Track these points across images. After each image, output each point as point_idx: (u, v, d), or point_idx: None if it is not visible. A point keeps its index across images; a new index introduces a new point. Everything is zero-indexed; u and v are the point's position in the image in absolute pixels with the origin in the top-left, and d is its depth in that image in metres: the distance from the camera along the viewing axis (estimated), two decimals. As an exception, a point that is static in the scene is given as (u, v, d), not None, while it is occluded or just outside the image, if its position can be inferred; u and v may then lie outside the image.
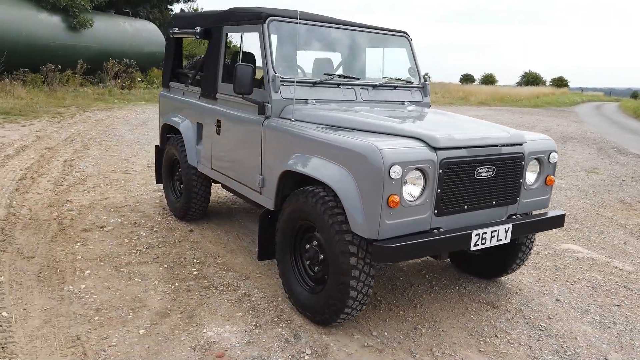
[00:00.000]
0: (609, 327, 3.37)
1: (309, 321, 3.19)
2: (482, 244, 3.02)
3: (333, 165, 2.89)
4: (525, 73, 64.42)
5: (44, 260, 3.91)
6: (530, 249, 3.74)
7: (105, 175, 6.63)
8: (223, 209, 5.54)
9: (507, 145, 3.16)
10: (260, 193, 3.70)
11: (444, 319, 3.35)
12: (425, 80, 4.41)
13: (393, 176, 2.63)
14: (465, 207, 3.03)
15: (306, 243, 3.24)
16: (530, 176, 3.38)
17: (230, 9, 4.18)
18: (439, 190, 2.86)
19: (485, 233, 3.02)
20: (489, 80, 62.37)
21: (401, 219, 2.75)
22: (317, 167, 2.99)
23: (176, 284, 3.65)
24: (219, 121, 4.19)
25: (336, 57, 4.39)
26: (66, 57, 16.15)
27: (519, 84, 61.34)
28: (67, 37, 16.46)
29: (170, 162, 5.17)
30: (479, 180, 3.03)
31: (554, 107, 31.14)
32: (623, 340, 3.21)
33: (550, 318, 3.44)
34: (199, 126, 4.61)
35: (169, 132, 5.31)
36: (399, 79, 4.25)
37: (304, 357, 2.82)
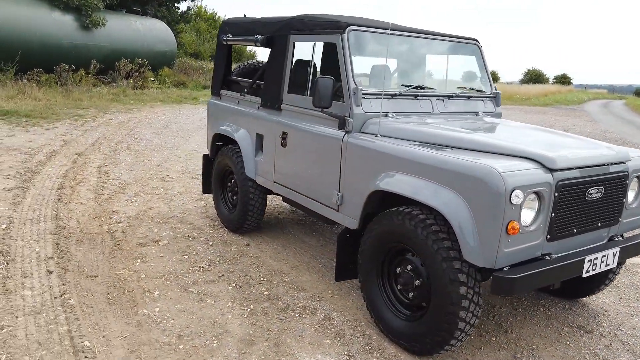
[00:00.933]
0: None
1: (403, 349, 3.04)
2: (592, 270, 2.87)
3: (440, 187, 2.72)
4: (528, 70, 64.17)
5: (109, 279, 3.75)
6: (619, 269, 3.59)
7: (143, 183, 6.46)
8: (272, 219, 5.37)
9: (614, 163, 3.00)
10: (337, 211, 3.54)
11: (541, 346, 3.19)
12: (497, 89, 4.24)
13: (514, 201, 2.47)
14: (575, 230, 2.87)
15: (398, 267, 3.08)
16: (630, 195, 3.23)
17: (299, 16, 4.00)
18: (553, 214, 2.70)
19: (597, 258, 2.87)
20: (493, 77, 62.15)
21: (517, 246, 2.59)
22: (418, 189, 2.82)
23: (251, 306, 3.49)
24: (284, 133, 4.03)
25: (392, 64, 4.21)
26: (79, 57, 15.94)
27: (522, 81, 61.12)
28: (80, 36, 16.24)
29: (222, 172, 5.00)
30: (588, 202, 2.87)
31: (564, 106, 30.96)
32: None
33: (647, 343, 3.29)
34: (259, 137, 4.45)
35: (219, 141, 5.15)
36: (473, 89, 4.08)
37: (410, 390, 2.67)
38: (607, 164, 2.95)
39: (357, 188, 3.32)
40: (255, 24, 4.56)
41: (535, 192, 2.59)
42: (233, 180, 4.86)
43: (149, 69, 18.66)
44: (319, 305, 3.55)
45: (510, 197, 2.46)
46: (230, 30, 4.91)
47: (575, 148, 2.96)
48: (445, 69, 4.24)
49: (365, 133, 3.37)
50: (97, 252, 4.25)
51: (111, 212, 5.29)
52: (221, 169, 4.99)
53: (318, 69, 3.94)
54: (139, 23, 19.37)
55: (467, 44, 4.21)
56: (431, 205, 2.72)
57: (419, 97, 3.70)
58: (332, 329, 3.25)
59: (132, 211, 5.36)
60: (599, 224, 3.01)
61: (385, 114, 3.48)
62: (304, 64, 3.98)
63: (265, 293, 3.70)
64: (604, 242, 3.13)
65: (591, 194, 2.86)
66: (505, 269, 2.58)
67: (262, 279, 3.94)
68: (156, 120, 11.69)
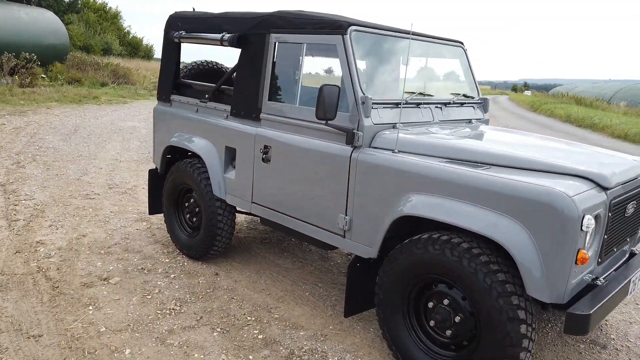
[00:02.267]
0: None
1: (441, 393, 2.68)
2: (633, 290, 2.72)
3: (492, 213, 2.39)
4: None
5: (59, 338, 2.98)
6: None
7: (65, 203, 5.49)
8: (233, 239, 4.77)
9: (641, 177, 2.89)
10: (344, 237, 3.09)
11: (570, 369, 3.02)
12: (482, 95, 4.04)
13: (584, 228, 2.21)
14: (615, 249, 2.70)
15: (429, 300, 2.71)
16: None
17: (280, 12, 3.47)
18: (605, 236, 2.50)
19: (636, 277, 2.72)
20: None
21: (580, 275, 2.35)
22: (465, 215, 2.46)
23: (250, 357, 2.94)
24: (266, 147, 3.49)
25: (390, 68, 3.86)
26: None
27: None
28: (-49, 26, 13.97)
29: (177, 191, 4.31)
30: (626, 218, 2.72)
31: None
32: None
33: (658, 353, 3.26)
34: (229, 151, 3.85)
35: (169, 154, 4.45)
36: (465, 95, 3.83)
37: None
38: (639, 177, 2.83)
39: (374, 212, 2.90)
40: (220, 19, 3.93)
41: (596, 215, 2.36)
42: (192, 200, 4.20)
43: (37, 64, 16.62)
44: (326, 347, 3.08)
45: (582, 223, 2.20)
46: (184, 25, 4.21)
47: (614, 163, 2.79)
48: (435, 74, 3.97)
49: (376, 148, 2.96)
50: (32, 300, 3.40)
51: (35, 243, 4.36)
52: (176, 186, 4.30)
53: (304, 73, 3.44)
54: (24, 13, 17.19)
55: (454, 47, 3.95)
56: (486, 235, 2.38)
57: (420, 106, 3.37)
58: (354, 377, 2.81)
59: (62, 240, 4.47)
60: (627, 239, 2.89)
61: (394, 126, 3.11)
62: (290, 68, 3.47)
63: (260, 337, 3.16)
64: (626, 257, 3.02)
65: (629, 209, 2.71)
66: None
67: (248, 317, 3.38)
68: (59, 124, 10.28)
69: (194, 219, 4.24)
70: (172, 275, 3.94)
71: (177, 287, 3.76)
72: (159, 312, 3.37)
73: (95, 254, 4.24)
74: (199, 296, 3.63)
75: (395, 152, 2.85)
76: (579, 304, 2.30)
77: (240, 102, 3.72)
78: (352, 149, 3.00)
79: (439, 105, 3.52)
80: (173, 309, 3.43)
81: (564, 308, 2.35)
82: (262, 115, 3.56)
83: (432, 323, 2.72)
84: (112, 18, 34.70)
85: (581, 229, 2.20)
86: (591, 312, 2.23)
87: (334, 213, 3.12)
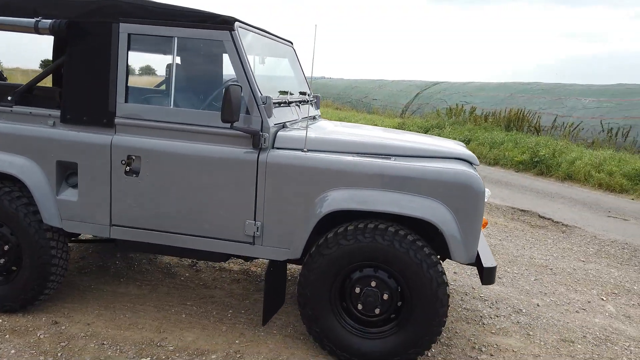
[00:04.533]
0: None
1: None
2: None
3: (415, 197, 2.72)
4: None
5: None
6: None
7: None
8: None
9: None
10: (253, 243, 2.96)
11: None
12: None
13: (485, 199, 2.78)
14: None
15: (355, 286, 2.89)
16: None
17: (136, 1, 2.96)
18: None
19: None
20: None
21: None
22: (392, 202, 2.73)
23: (182, 399, 2.55)
24: (131, 158, 2.98)
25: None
26: None
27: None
28: None
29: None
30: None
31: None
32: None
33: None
34: (62, 167, 3.09)
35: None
36: (307, 93, 4.05)
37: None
38: None
39: (290, 213, 2.88)
40: (29, 0, 3.05)
41: (479, 187, 2.98)
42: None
43: None
44: (251, 362, 2.92)
45: (485, 195, 2.76)
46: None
47: (459, 147, 3.47)
48: (276, 73, 4.06)
49: (280, 149, 2.92)
50: None
51: None
52: (-36, 222, 3.18)
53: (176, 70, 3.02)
54: None
55: (286, 46, 4.11)
56: (418, 217, 2.71)
57: (291, 104, 3.45)
58: (296, 381, 2.77)
59: None
60: None
61: (284, 125, 3.12)
62: (157, 66, 3.02)
63: (173, 375, 2.75)
64: None
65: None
66: None
67: (142, 358, 2.87)
68: None
69: (1, 261, 3.23)
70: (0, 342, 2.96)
71: (13, 352, 2.86)
72: (19, 389, 2.54)
73: None
74: (55, 354, 2.86)
75: (305, 151, 2.89)
76: (485, 260, 2.88)
77: (78, 106, 3.03)
78: (257, 151, 2.88)
79: (297, 104, 3.66)
80: (35, 380, 2.63)
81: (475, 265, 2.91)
82: (118, 121, 3.00)
83: (359, 307, 2.91)
84: None
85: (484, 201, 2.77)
86: (496, 264, 2.84)
87: (239, 221, 2.94)
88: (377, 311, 2.88)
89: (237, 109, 2.70)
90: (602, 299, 4.15)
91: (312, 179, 2.84)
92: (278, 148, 2.93)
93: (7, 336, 3.01)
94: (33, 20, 2.97)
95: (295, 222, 2.88)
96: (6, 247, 3.19)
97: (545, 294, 4.18)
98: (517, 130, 13.72)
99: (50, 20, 2.96)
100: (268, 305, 2.98)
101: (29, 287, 3.16)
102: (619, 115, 13.01)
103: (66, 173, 3.13)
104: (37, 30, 2.98)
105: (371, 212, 2.80)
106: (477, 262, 2.89)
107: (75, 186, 3.13)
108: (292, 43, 4.21)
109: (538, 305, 3.93)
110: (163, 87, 3.98)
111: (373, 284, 2.85)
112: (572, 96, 15.36)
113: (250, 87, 2.87)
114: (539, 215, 6.90)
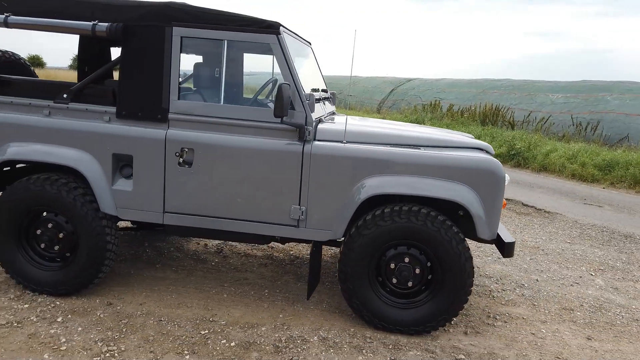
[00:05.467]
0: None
1: (403, 334, 3.29)
2: None
3: (446, 182, 3.10)
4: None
5: None
6: None
7: None
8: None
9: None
10: (298, 226, 3.28)
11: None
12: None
13: (505, 182, 3.19)
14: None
15: (390, 263, 3.25)
16: None
17: (177, 4, 3.22)
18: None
19: None
20: (38, 63, 56.40)
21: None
22: (427, 187, 3.10)
23: (247, 364, 2.86)
24: (184, 150, 3.26)
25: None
26: None
27: (72, 67, 58.28)
28: None
29: (20, 216, 3.39)
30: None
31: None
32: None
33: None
34: (117, 159, 3.34)
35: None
36: (324, 90, 4.37)
37: None
38: None
39: (332, 198, 3.21)
40: (82, 4, 3.27)
41: (496, 174, 3.38)
42: (51, 225, 3.41)
43: None
44: (295, 333, 3.23)
45: (506, 180, 3.17)
46: (12, 6, 3.27)
47: (471, 138, 3.88)
48: (303, 71, 4.35)
49: (321, 141, 3.25)
50: None
51: None
52: (20, 213, 3.38)
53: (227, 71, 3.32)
54: None
55: (307, 46, 4.42)
56: (449, 199, 3.09)
57: (319, 100, 3.77)
58: (347, 346, 3.12)
59: None
60: None
61: (320, 120, 3.45)
62: (207, 65, 3.29)
63: (232, 344, 3.05)
64: None
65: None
66: None
67: (201, 332, 3.15)
68: None
69: (56, 248, 3.45)
70: (60, 319, 3.19)
71: (80, 329, 3.11)
72: None
73: None
74: (121, 330, 3.12)
75: (344, 143, 3.23)
76: (505, 237, 3.29)
77: (133, 103, 3.28)
78: (302, 144, 3.20)
79: (323, 100, 3.99)
80: (108, 352, 2.89)
81: (488, 243, 3.31)
82: (171, 116, 3.27)
83: (394, 281, 3.27)
84: None
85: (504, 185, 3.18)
86: (514, 240, 3.26)
87: (285, 206, 3.25)
88: (410, 284, 3.25)
89: (287, 106, 3.02)
90: (591, 274, 4.65)
91: (352, 168, 3.18)
92: (319, 140, 3.26)
93: (69, 316, 3.24)
94: (90, 23, 3.20)
95: (336, 206, 3.22)
96: (61, 235, 3.42)
97: (542, 271, 4.65)
98: (492, 125, 14.37)
99: (107, 24, 3.20)
100: (312, 282, 3.32)
101: (86, 271, 3.39)
102: (585, 110, 13.81)
103: (120, 165, 3.38)
104: (93, 32, 3.21)
105: (404, 196, 3.17)
106: (497, 239, 3.30)
107: (128, 177, 3.38)
108: (310, 43, 4.53)
109: (537, 281, 4.39)
110: (190, 84, 4.25)
111: (406, 260, 3.22)
112: (541, 92, 16.16)
113: (296, 85, 3.18)
114: (522, 203, 7.43)
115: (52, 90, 3.41)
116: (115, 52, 4.66)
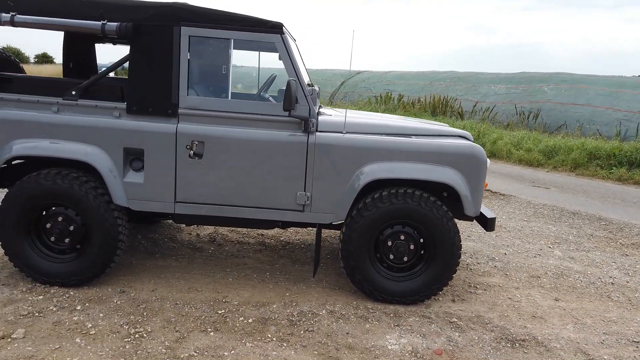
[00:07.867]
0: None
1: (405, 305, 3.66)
2: None
3: (436, 166, 3.48)
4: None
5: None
6: None
7: None
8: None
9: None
10: (303, 211, 3.57)
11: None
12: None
13: (487, 166, 3.62)
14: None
15: (387, 241, 3.60)
16: None
17: (184, 5, 3.41)
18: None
19: None
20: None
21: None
22: (420, 171, 3.47)
23: (269, 336, 3.13)
24: (195, 143, 3.46)
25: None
26: None
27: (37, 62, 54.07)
28: None
29: (31, 209, 3.47)
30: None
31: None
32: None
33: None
34: (129, 153, 3.48)
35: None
36: (312, 85, 4.65)
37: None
38: None
39: (335, 184, 3.51)
40: (91, 4, 3.37)
41: (476, 158, 3.81)
42: (61, 219, 3.52)
43: None
44: (305, 308, 3.53)
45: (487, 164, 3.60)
46: (18, 6, 3.33)
47: (447, 127, 4.29)
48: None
49: (322, 132, 3.54)
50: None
51: None
52: (31, 206, 3.47)
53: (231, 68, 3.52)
54: None
55: (295, 41, 4.68)
56: (440, 181, 3.47)
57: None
58: (353, 317, 3.44)
59: None
60: None
61: (318, 112, 3.74)
62: (213, 62, 3.49)
63: (250, 321, 3.30)
64: None
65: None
66: None
67: (218, 312, 3.39)
68: None
69: (66, 240, 3.56)
70: (79, 308, 3.33)
71: (102, 315, 3.26)
72: (127, 341, 2.98)
73: None
74: (141, 314, 3.30)
75: (344, 133, 3.54)
76: (487, 213, 3.73)
77: (143, 98, 3.44)
78: (307, 135, 3.48)
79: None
80: (137, 333, 3.08)
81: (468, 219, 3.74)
82: (181, 111, 3.45)
83: (391, 257, 3.63)
84: None
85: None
86: (495, 216, 3.70)
87: (291, 192, 3.53)
88: (405, 259, 3.63)
89: (295, 100, 3.29)
90: (550, 247, 5.23)
91: (352, 156, 3.50)
92: (321, 131, 3.55)
93: (87, 304, 3.38)
94: (99, 23, 3.33)
95: (338, 191, 3.53)
96: (71, 228, 3.53)
97: (507, 246, 5.18)
98: (442, 115, 15.12)
99: (116, 23, 3.33)
100: (317, 260, 3.62)
101: (98, 260, 3.53)
102: (525, 100, 14.82)
103: (130, 158, 3.53)
104: (103, 32, 3.33)
105: (398, 180, 3.53)
106: (480, 216, 3.73)
107: (138, 170, 3.54)
108: (295, 40, 4.79)
109: (505, 254, 4.91)
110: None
111: (402, 237, 3.59)
112: (484, 84, 17.12)
113: (300, 81, 3.45)
114: (479, 187, 8.03)
115: (56, 88, 3.50)
116: (100, 50, 4.76)
